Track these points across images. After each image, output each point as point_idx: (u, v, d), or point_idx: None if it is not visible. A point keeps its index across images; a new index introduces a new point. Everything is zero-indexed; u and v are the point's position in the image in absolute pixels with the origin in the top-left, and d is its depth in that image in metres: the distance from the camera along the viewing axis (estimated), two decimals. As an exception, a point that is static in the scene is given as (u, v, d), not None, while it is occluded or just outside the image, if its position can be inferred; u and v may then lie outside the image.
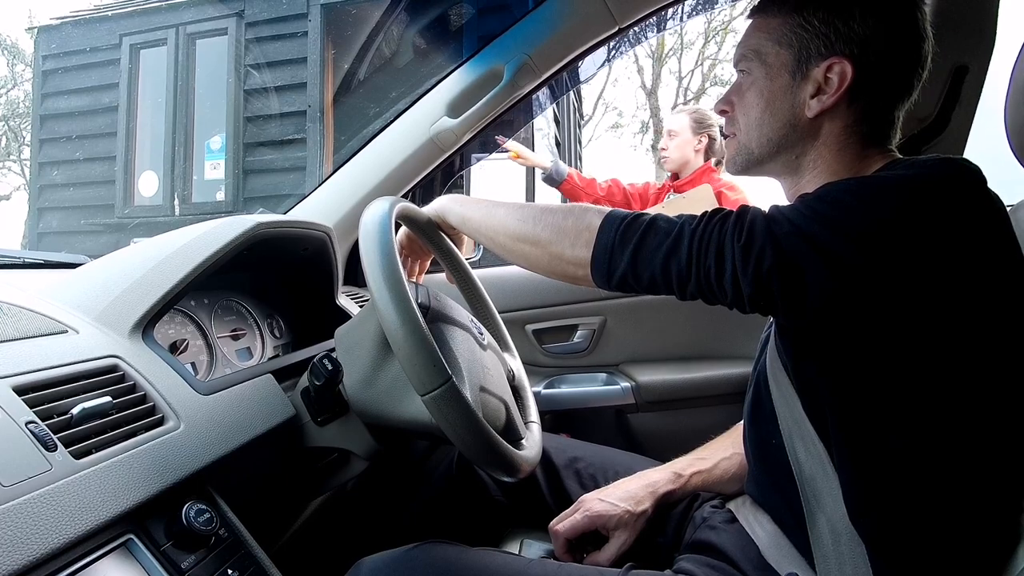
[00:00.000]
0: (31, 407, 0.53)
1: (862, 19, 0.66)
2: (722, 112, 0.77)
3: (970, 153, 1.20)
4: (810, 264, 0.57)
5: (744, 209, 0.62)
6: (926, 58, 0.68)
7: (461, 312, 0.83)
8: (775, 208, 0.62)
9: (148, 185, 4.36)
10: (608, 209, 0.69)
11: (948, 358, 0.59)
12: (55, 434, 0.52)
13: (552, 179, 2.33)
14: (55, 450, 0.51)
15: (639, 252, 0.65)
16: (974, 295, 0.58)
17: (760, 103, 0.72)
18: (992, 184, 0.62)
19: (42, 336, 0.62)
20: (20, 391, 0.53)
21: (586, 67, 1.32)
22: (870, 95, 0.67)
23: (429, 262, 0.94)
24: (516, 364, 0.97)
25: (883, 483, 0.63)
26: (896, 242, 0.56)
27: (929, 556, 0.62)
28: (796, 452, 0.69)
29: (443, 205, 0.83)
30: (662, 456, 0.96)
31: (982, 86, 1.15)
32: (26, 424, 0.51)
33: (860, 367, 0.62)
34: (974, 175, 0.61)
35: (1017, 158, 0.76)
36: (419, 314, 0.63)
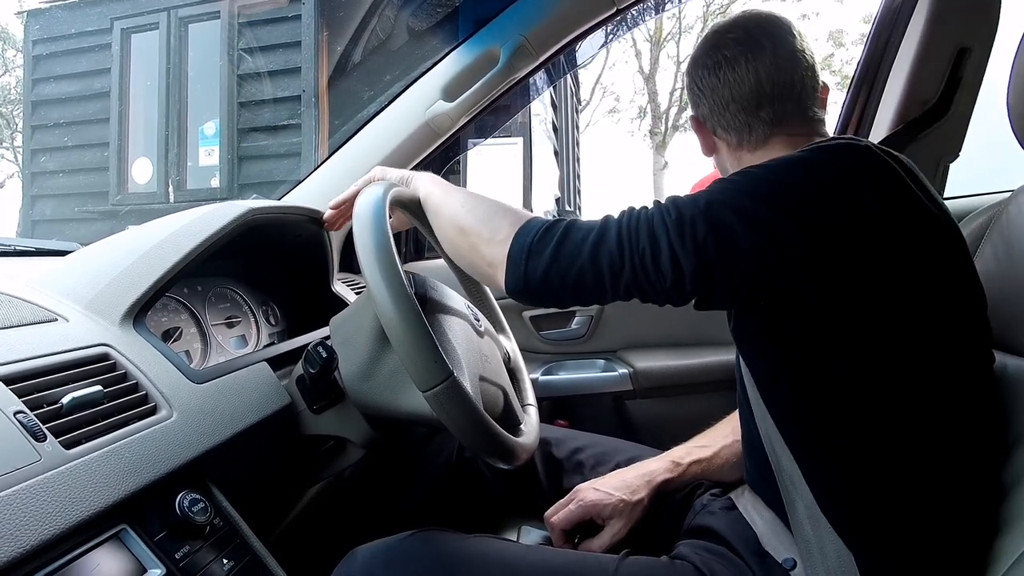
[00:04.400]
0: (19, 397, 0.52)
1: (691, 86, 0.81)
2: None
3: (972, 139, 1.19)
4: (736, 228, 0.58)
5: (662, 199, 0.65)
6: (744, 90, 0.75)
7: (457, 299, 0.82)
8: (692, 193, 0.64)
9: (142, 172, 4.31)
10: (531, 214, 0.68)
11: (884, 328, 0.59)
12: (44, 424, 0.51)
13: None
14: (44, 440, 0.50)
15: (562, 248, 0.63)
16: (896, 259, 0.59)
17: None
18: (994, 169, 0.61)
19: (31, 325, 0.61)
20: (8, 381, 0.52)
21: (583, 50, 1.30)
22: (722, 127, 0.79)
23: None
24: (512, 346, 0.97)
25: (843, 471, 0.63)
26: (803, 203, 0.58)
27: (903, 542, 0.62)
28: (771, 439, 0.69)
29: (417, 176, 0.80)
30: (660, 442, 0.96)
31: (985, 69, 1.13)
32: (14, 414, 0.50)
33: (796, 347, 0.62)
34: (873, 148, 0.63)
35: (1020, 143, 0.75)
36: (417, 307, 0.62)
